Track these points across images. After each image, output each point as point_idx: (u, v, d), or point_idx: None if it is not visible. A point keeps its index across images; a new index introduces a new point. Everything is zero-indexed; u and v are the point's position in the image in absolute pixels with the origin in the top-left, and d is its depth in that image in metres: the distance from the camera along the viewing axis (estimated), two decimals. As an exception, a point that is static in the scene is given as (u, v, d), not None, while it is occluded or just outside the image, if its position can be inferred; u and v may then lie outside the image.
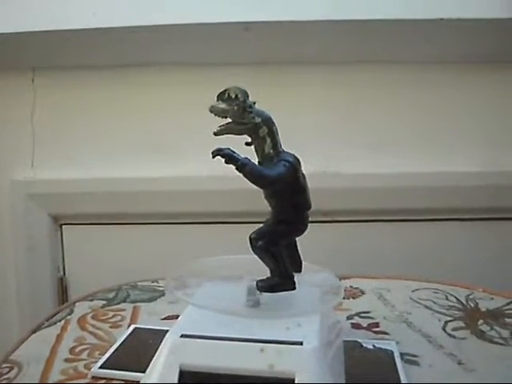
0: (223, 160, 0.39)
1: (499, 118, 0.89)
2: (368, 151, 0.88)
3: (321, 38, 0.83)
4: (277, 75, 0.87)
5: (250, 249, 0.42)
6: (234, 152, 0.40)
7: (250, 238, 0.42)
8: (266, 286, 0.42)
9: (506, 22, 0.78)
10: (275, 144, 0.42)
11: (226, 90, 0.41)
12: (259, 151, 0.42)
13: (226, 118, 0.41)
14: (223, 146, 0.40)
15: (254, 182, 0.40)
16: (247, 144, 0.42)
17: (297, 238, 0.44)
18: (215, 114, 0.41)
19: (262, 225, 0.43)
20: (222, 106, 0.40)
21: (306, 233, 0.43)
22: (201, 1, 0.81)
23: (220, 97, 0.41)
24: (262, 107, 0.42)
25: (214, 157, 0.40)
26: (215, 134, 0.41)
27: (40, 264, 0.92)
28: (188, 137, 0.88)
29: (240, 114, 0.41)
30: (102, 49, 0.86)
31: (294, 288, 0.42)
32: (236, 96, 0.40)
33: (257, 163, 0.41)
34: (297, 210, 0.43)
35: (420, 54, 0.86)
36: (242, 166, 0.39)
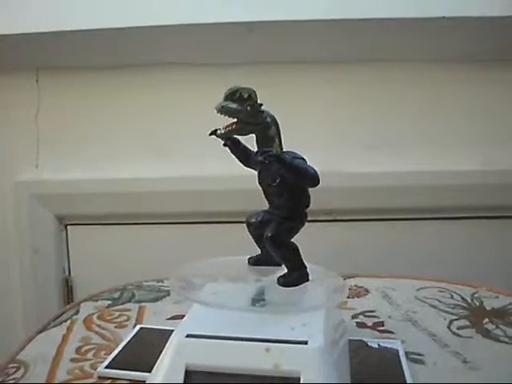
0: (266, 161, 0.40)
1: (501, 117, 0.89)
2: (370, 150, 0.88)
3: (323, 38, 0.83)
4: (279, 75, 0.87)
5: (269, 247, 0.42)
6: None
7: (269, 237, 0.42)
8: (289, 282, 0.42)
9: (508, 20, 0.77)
10: (280, 143, 0.42)
11: (237, 90, 0.40)
12: (264, 148, 0.42)
13: (233, 117, 0.40)
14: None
15: (302, 179, 0.41)
16: (225, 145, 0.43)
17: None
18: (224, 114, 0.40)
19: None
20: (234, 105, 0.40)
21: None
22: (203, 1, 0.81)
23: (230, 96, 0.40)
24: (264, 107, 0.42)
25: (267, 159, 0.40)
26: (221, 136, 0.41)
27: (45, 264, 0.93)
28: (193, 137, 0.88)
29: (253, 114, 0.40)
30: (107, 49, 0.86)
31: (308, 279, 0.43)
32: (249, 96, 0.40)
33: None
34: (304, 207, 0.43)
35: (422, 53, 0.86)
36: (290, 165, 0.40)
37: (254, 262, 0.46)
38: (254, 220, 0.45)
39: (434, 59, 0.87)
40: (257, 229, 0.44)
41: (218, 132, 0.41)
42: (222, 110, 0.40)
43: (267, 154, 0.40)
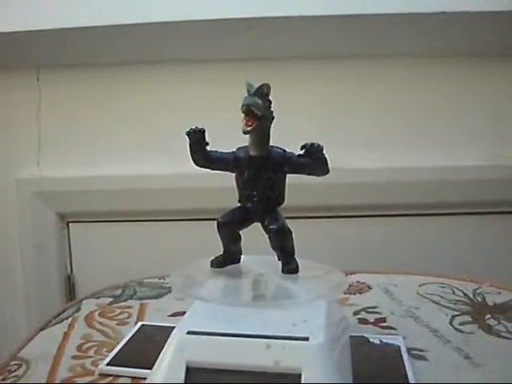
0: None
1: (502, 112, 0.88)
2: (370, 146, 0.88)
3: (321, 33, 0.83)
4: (277, 71, 0.86)
5: (277, 239, 0.43)
6: None
7: (277, 229, 0.43)
8: (293, 269, 0.44)
9: (509, 14, 0.77)
10: None
11: (262, 86, 0.40)
12: (263, 146, 0.42)
13: (258, 113, 0.40)
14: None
15: (325, 168, 0.42)
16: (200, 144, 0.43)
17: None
18: (254, 110, 0.40)
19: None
20: (260, 101, 0.40)
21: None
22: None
23: (256, 92, 0.40)
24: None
25: (318, 149, 0.42)
26: (247, 132, 0.41)
27: (47, 262, 0.93)
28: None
29: (269, 110, 0.41)
30: (107, 46, 0.86)
31: None
32: (267, 91, 0.40)
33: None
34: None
35: (422, 48, 0.86)
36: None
37: (219, 263, 0.46)
38: (228, 219, 0.44)
39: (434, 54, 0.87)
40: (232, 228, 0.44)
41: (247, 129, 0.40)
42: (254, 106, 0.40)
43: (317, 145, 0.42)
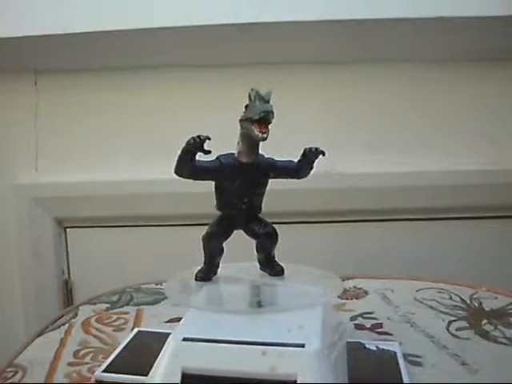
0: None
1: (501, 116, 0.88)
2: (369, 151, 0.88)
3: (321, 39, 0.83)
4: (275, 76, 0.86)
5: (272, 243, 0.45)
6: None
7: (270, 233, 0.44)
8: (279, 271, 0.46)
9: (507, 19, 0.77)
10: None
11: (270, 92, 0.40)
12: (254, 153, 0.43)
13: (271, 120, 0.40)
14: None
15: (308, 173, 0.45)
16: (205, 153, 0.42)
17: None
18: (267, 117, 0.40)
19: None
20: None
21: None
22: (196, 3, 0.80)
23: (269, 99, 0.40)
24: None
25: (318, 154, 0.44)
26: (265, 139, 0.40)
27: (45, 267, 0.92)
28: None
29: None
30: (105, 51, 0.86)
31: None
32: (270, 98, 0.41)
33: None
34: None
35: (420, 53, 0.86)
36: None
37: (204, 276, 0.46)
38: (216, 230, 0.45)
39: (433, 59, 0.87)
40: (219, 239, 0.45)
41: (264, 136, 0.40)
42: (272, 113, 0.40)
43: (320, 151, 0.44)
